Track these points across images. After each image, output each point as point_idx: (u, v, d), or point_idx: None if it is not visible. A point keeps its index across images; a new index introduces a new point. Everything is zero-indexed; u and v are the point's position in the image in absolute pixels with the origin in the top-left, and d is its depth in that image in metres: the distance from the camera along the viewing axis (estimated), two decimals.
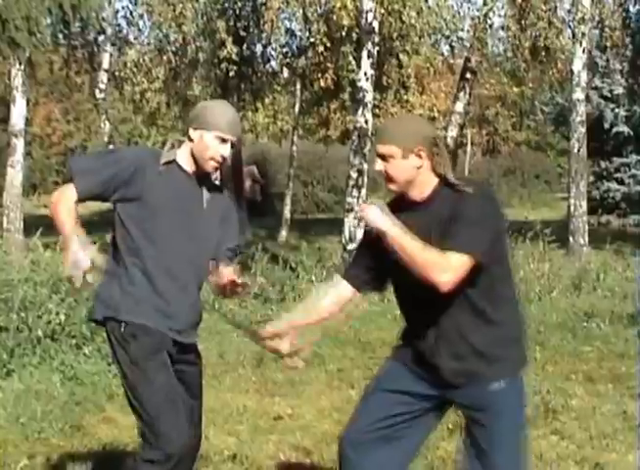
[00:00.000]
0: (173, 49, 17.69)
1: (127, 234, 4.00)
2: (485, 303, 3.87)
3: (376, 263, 4.05)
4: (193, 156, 4.04)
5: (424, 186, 3.93)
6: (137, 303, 3.99)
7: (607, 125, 29.26)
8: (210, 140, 4.00)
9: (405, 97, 26.95)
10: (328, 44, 14.34)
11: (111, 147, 21.24)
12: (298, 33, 16.94)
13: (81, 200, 4.02)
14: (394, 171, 3.90)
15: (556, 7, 15.79)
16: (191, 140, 4.03)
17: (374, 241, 3.91)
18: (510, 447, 3.87)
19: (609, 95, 29.18)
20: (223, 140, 4.01)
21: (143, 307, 4.00)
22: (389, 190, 4.02)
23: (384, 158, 3.91)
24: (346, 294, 4.12)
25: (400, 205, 3.98)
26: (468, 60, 18.27)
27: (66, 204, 4.01)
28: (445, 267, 3.70)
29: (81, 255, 3.89)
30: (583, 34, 16.54)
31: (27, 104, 20.50)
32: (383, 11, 13.83)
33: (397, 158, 3.88)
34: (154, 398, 3.97)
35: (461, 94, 18.79)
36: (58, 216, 4.00)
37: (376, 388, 4.13)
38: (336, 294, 4.15)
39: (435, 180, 3.93)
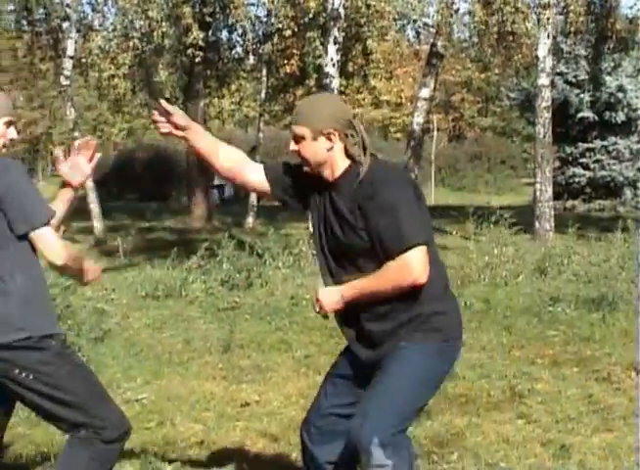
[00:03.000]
0: (139, 35, 17.53)
1: None
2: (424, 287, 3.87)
3: (297, 195, 4.09)
4: None
5: (335, 168, 3.91)
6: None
7: (572, 111, 29.53)
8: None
9: (372, 83, 27.08)
10: (295, 29, 14.30)
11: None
12: (264, 19, 16.88)
13: None
14: (305, 152, 3.90)
15: None
16: None
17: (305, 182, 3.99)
18: (396, 393, 3.83)
19: (573, 80, 29.36)
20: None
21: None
22: (305, 170, 4.00)
23: (296, 138, 3.92)
24: (254, 176, 4.08)
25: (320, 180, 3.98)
26: (434, 45, 18.30)
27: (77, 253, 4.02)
28: (410, 270, 3.74)
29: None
30: (548, 19, 16.60)
31: None
32: None
33: (308, 139, 3.87)
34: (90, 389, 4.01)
35: (427, 79, 18.81)
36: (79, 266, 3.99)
37: (330, 374, 4.22)
38: (246, 163, 4.13)
39: (347, 162, 3.90)
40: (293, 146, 3.95)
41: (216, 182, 30.47)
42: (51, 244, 3.80)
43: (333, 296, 3.89)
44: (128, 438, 4.09)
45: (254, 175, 4.08)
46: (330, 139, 3.84)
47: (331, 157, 3.89)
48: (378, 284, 3.79)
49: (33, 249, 3.85)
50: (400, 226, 3.71)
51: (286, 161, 4.24)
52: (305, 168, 3.97)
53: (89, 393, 3.93)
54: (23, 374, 3.74)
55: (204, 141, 4.08)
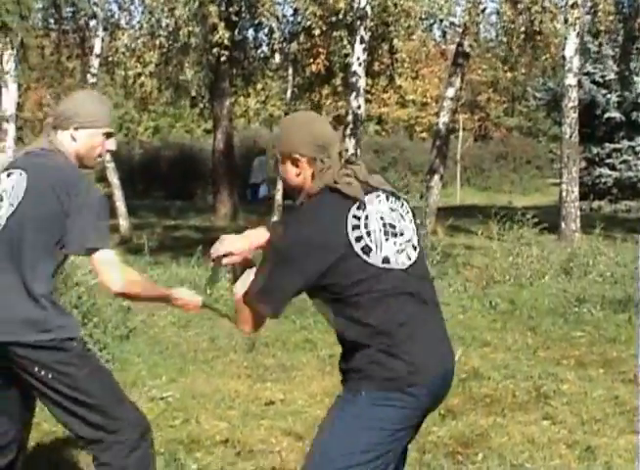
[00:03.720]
0: (165, 34, 17.62)
1: None
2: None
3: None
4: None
5: (311, 194, 3.52)
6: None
7: (599, 111, 29.37)
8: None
9: (398, 82, 27.11)
10: (322, 28, 14.39)
11: None
12: (290, 18, 16.97)
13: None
14: (282, 174, 3.61)
15: None
16: (75, 140, 3.99)
17: None
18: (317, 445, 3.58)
19: (601, 81, 29.20)
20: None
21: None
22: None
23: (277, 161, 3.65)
24: None
25: None
26: (460, 45, 18.29)
27: (138, 279, 4.01)
28: None
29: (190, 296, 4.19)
30: (577, 19, 16.57)
31: (19, 89, 20.50)
32: None
33: (280, 162, 3.58)
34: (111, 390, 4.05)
35: (453, 79, 18.81)
36: (144, 292, 4.04)
37: None
38: None
39: (320, 190, 3.48)
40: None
41: (252, 181, 30.54)
42: (113, 270, 3.84)
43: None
44: (150, 437, 4.10)
45: None
46: (297, 165, 3.50)
47: (304, 182, 3.52)
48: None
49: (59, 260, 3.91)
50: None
51: None
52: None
53: (106, 395, 3.96)
54: (43, 372, 3.78)
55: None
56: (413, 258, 3.48)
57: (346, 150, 15.00)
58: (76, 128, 3.93)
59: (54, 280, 3.93)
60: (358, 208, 3.40)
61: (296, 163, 3.48)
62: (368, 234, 3.38)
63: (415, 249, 3.51)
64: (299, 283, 3.42)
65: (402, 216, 3.53)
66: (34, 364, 3.78)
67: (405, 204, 3.60)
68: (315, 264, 3.36)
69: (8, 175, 3.98)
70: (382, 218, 3.44)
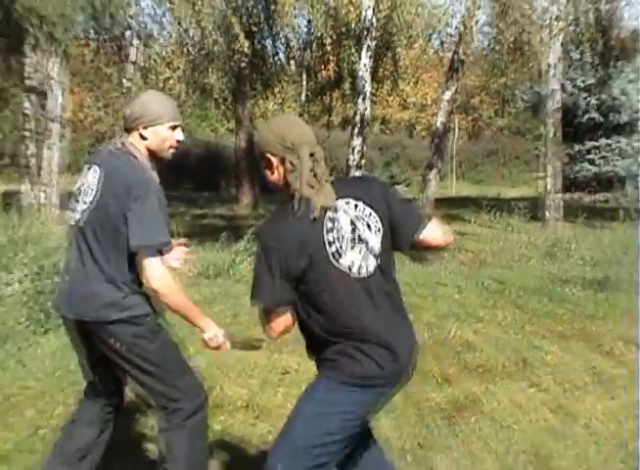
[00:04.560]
0: (192, 43, 17.70)
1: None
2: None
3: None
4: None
5: (290, 194, 3.31)
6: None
7: (579, 112, 29.34)
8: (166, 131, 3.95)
9: (400, 87, 27.07)
10: (332, 38, 14.39)
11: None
12: (304, 29, 16.94)
13: None
14: (262, 172, 3.43)
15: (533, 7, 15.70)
16: (144, 138, 3.94)
17: None
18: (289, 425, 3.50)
19: (582, 85, 29.12)
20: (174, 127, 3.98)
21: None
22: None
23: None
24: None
25: None
26: (456, 53, 18.20)
27: (180, 289, 3.88)
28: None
29: (221, 337, 4.00)
30: (561, 30, 16.50)
31: (62, 93, 20.55)
32: (382, 8, 13.84)
33: (272, 163, 3.35)
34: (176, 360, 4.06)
35: (449, 84, 18.70)
36: (187, 305, 3.93)
37: None
38: None
39: (294, 191, 3.28)
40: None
41: None
42: (151, 268, 3.75)
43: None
44: (207, 407, 4.08)
45: None
46: (269, 163, 3.33)
47: (279, 180, 3.34)
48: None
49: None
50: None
51: None
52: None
53: (171, 367, 3.98)
54: (119, 344, 3.83)
55: None
56: (372, 269, 3.30)
57: (354, 147, 14.97)
58: (145, 127, 3.89)
59: (129, 266, 3.84)
60: (331, 211, 3.24)
61: (269, 161, 3.32)
62: (339, 239, 3.24)
63: (376, 258, 3.31)
64: (276, 274, 3.26)
65: (369, 226, 3.30)
66: (113, 338, 3.84)
67: (373, 212, 3.33)
68: (288, 261, 3.22)
69: (88, 168, 3.98)
70: (352, 223, 3.27)
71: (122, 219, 3.76)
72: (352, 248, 3.26)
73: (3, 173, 33.63)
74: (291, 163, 3.27)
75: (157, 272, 3.75)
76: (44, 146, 19.57)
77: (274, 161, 3.31)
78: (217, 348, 4.01)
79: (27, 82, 18.66)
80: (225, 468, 4.86)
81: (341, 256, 3.24)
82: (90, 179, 3.94)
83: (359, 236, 3.28)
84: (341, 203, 3.27)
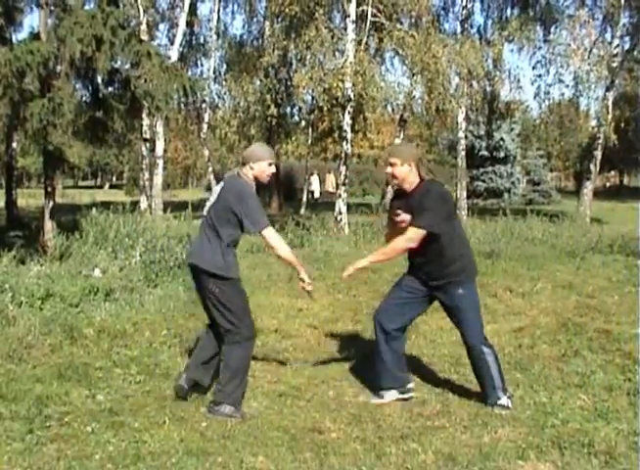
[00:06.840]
0: (242, 110, 18.88)
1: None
2: (444, 250, 3.98)
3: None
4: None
5: (412, 183, 3.98)
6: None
7: (476, 151, 31.69)
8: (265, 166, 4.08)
9: (368, 135, 28.06)
10: (327, 105, 15.01)
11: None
12: (310, 100, 17.72)
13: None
14: (396, 173, 3.98)
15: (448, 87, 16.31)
16: (252, 169, 4.07)
17: None
18: (471, 314, 4.06)
19: (477, 134, 31.31)
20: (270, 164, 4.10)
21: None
22: (393, 184, 4.15)
23: (391, 165, 4.00)
24: None
25: (400, 193, 4.09)
26: (402, 114, 19.13)
27: (289, 249, 4.08)
28: (407, 240, 3.93)
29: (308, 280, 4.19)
30: (462, 100, 17.33)
31: (164, 141, 22.25)
32: (357, 88, 14.46)
33: (398, 165, 3.96)
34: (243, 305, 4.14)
35: (399, 133, 19.62)
36: (293, 258, 4.07)
37: (396, 285, 4.33)
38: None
39: (418, 180, 3.99)
40: (388, 169, 4.04)
41: (311, 188, 29.28)
42: (273, 240, 3.98)
43: (356, 265, 4.07)
44: (255, 341, 4.16)
45: None
46: (410, 166, 3.98)
47: (410, 176, 4.02)
48: (387, 253, 4.00)
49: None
50: (423, 214, 3.90)
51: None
52: (394, 182, 4.11)
53: (240, 308, 4.05)
54: (212, 287, 4.00)
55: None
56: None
57: (340, 172, 15.36)
58: (254, 162, 4.04)
59: (234, 242, 4.03)
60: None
61: (410, 165, 4.03)
62: None
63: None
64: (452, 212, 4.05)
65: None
66: (210, 282, 4.00)
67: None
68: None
69: (216, 185, 4.22)
70: None
71: (232, 213, 3.95)
72: None
73: (130, 190, 37.57)
74: (420, 164, 4.06)
75: (274, 239, 3.99)
76: (153, 174, 21.22)
77: (414, 165, 4.00)
78: (309, 291, 4.21)
79: (144, 135, 20.28)
80: (262, 369, 4.95)
81: None
82: (216, 190, 4.15)
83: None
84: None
